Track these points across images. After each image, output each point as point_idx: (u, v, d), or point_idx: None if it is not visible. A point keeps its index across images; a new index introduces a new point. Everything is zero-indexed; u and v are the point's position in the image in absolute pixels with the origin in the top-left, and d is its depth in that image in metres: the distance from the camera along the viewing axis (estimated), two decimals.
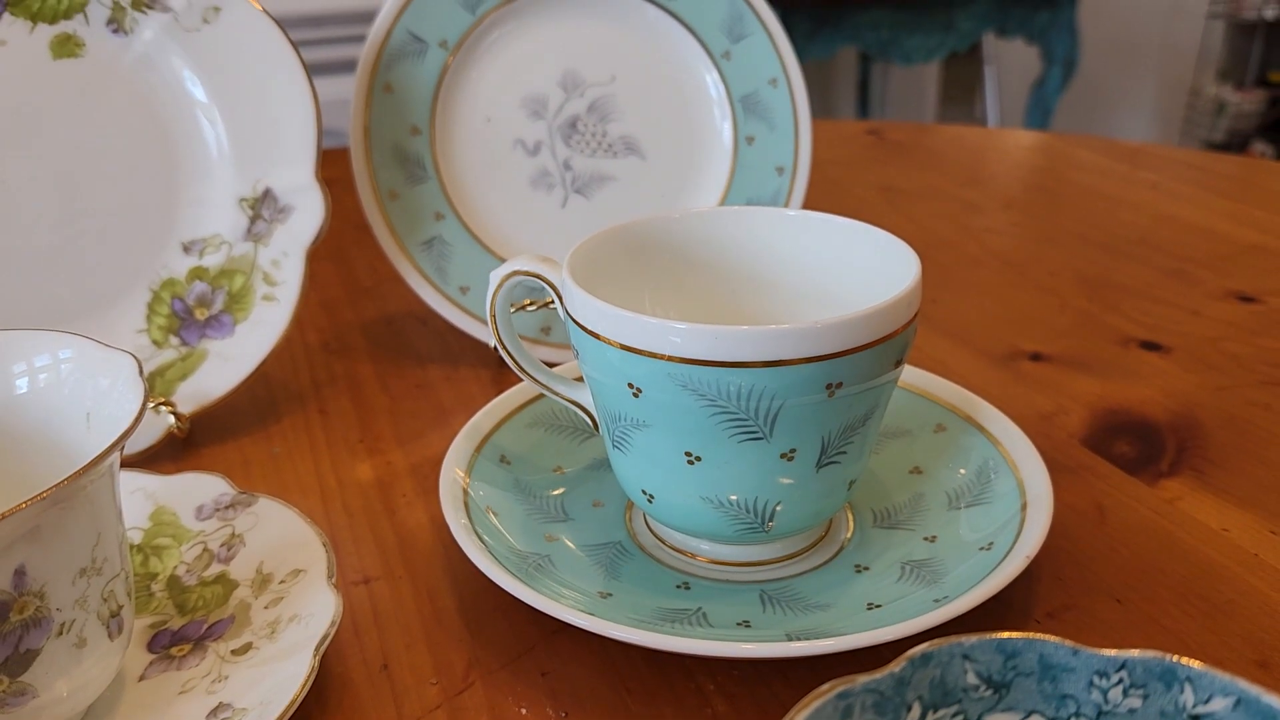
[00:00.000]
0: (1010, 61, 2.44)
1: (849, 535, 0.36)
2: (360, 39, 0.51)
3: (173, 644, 0.32)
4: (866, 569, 0.34)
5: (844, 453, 0.32)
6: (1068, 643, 0.24)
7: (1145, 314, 0.56)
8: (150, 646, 0.33)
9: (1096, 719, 0.24)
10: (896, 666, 0.23)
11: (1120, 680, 0.24)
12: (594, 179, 0.53)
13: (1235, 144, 2.47)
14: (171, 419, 0.45)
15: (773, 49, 0.54)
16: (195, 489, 0.38)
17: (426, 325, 0.57)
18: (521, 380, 0.38)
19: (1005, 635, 0.24)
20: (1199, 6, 2.50)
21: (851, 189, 0.81)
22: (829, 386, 0.29)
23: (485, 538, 0.34)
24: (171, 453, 0.45)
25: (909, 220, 0.73)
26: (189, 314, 0.47)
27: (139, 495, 0.37)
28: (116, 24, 0.45)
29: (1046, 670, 0.24)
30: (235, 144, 0.47)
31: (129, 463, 0.43)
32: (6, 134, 0.44)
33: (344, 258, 0.68)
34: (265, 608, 0.33)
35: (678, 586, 0.34)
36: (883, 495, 0.38)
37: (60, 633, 0.26)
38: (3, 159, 0.44)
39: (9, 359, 0.31)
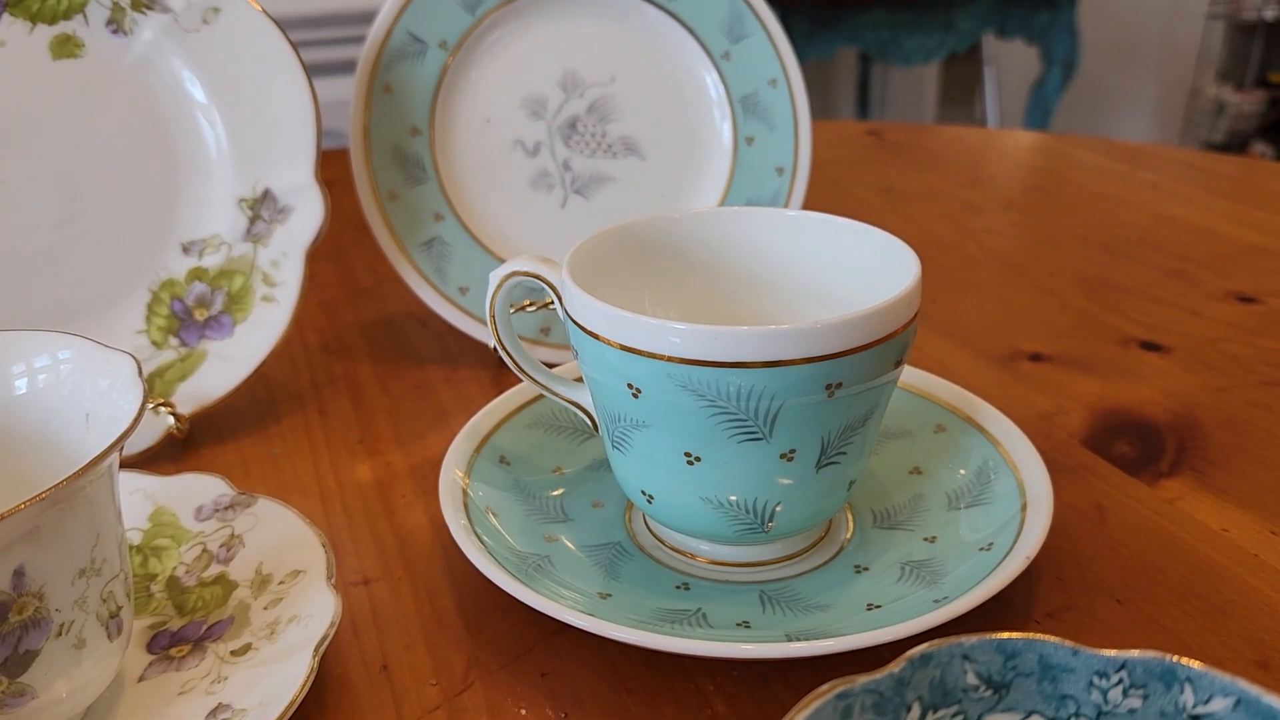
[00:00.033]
0: (1010, 62, 2.44)
1: (849, 536, 0.36)
2: (360, 39, 0.51)
3: (172, 645, 0.32)
4: (866, 569, 0.34)
5: (844, 453, 0.32)
6: (1068, 643, 0.24)
7: (1145, 314, 0.56)
8: (149, 647, 0.32)
9: (1096, 719, 0.24)
10: (896, 667, 0.23)
11: (1120, 680, 0.24)
12: (593, 179, 0.53)
13: (1235, 144, 2.47)
14: (171, 420, 0.45)
15: (772, 49, 0.54)
16: (194, 490, 0.38)
17: (426, 326, 0.57)
18: (521, 381, 0.38)
19: (1005, 636, 0.24)
20: (1199, 7, 2.50)
21: (851, 190, 0.81)
22: (829, 387, 0.29)
23: (485, 538, 0.34)
24: (171, 453, 0.45)
25: (908, 221, 0.73)
26: (188, 315, 0.47)
27: (138, 496, 0.37)
28: (116, 24, 0.45)
29: (1046, 670, 0.24)
30: (235, 144, 0.47)
31: (128, 463, 0.43)
32: (6, 134, 0.44)
33: (343, 258, 0.68)
34: (265, 608, 0.33)
35: (677, 587, 0.34)
36: (883, 496, 0.38)
37: (59, 633, 0.26)
38: (3, 159, 0.44)
39: (8, 359, 0.31)
